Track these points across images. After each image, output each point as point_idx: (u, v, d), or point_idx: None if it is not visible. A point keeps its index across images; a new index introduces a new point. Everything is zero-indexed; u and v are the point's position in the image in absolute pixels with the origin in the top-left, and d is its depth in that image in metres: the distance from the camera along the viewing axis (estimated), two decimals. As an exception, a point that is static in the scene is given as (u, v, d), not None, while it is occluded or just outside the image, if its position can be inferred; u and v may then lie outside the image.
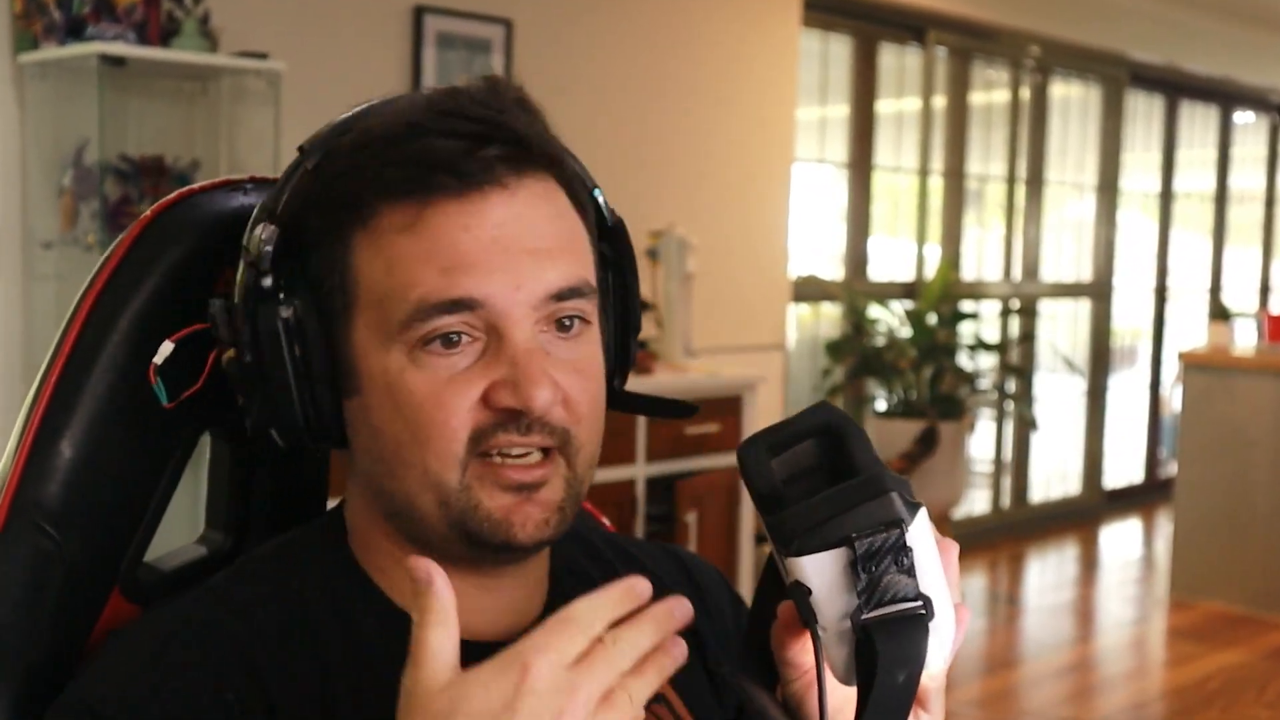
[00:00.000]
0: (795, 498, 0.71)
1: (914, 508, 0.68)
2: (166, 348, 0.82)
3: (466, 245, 0.74)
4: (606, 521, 1.07)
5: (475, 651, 0.80)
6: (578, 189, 0.81)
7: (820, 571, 0.68)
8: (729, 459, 3.95)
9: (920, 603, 0.67)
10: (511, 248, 0.75)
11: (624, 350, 0.88)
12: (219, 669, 0.74)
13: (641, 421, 3.63)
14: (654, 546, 1.00)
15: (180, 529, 0.97)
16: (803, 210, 5.07)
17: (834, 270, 5.45)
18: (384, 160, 0.75)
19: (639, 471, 3.69)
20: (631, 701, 0.63)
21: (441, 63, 3.72)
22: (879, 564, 0.67)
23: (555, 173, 0.79)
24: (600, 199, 0.85)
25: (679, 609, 0.65)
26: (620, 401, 0.89)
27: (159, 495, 0.86)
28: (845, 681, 0.70)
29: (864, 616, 0.67)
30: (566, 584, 0.88)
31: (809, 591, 0.68)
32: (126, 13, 2.90)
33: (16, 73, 2.99)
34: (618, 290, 0.86)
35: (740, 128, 4.63)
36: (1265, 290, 8.13)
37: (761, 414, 4.32)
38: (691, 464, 3.86)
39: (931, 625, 0.68)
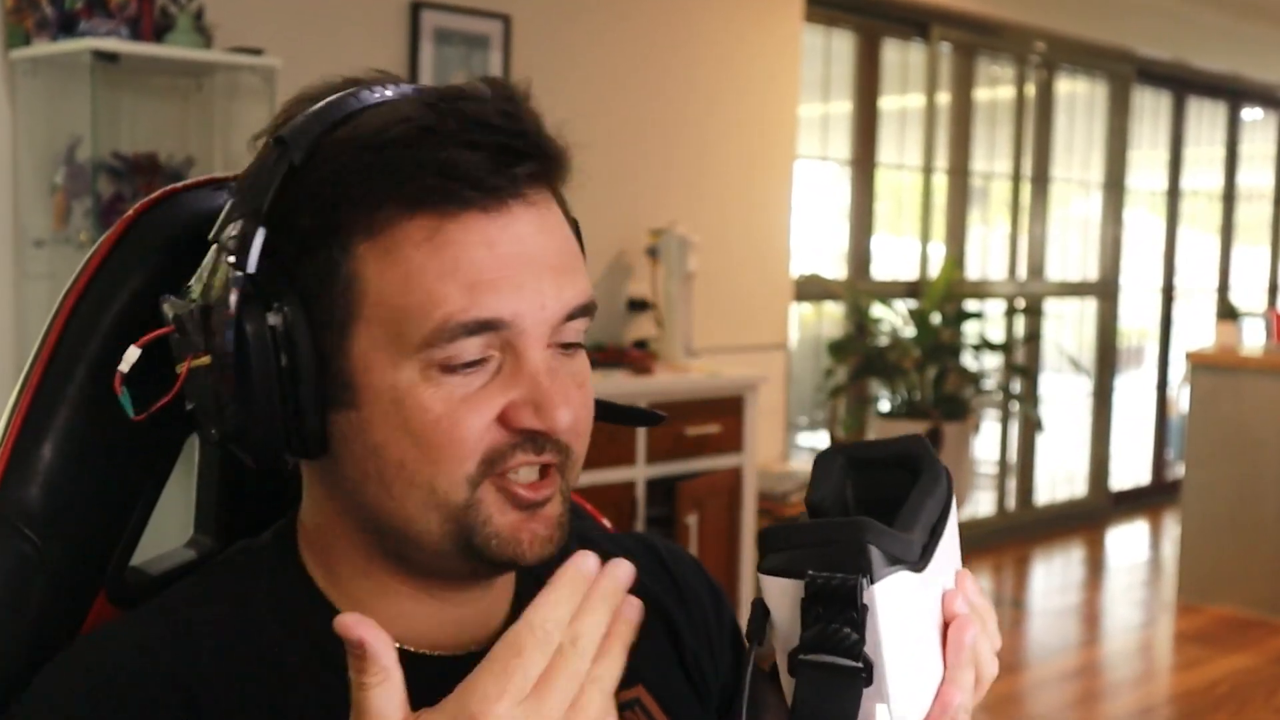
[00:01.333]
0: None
1: (895, 566, 0.65)
2: (133, 353, 0.77)
3: (490, 262, 0.72)
4: (605, 522, 1.06)
5: (435, 666, 0.79)
6: (565, 202, 0.79)
7: (778, 596, 0.67)
8: (730, 460, 3.94)
9: (858, 663, 0.65)
10: (535, 264, 0.73)
11: None
12: (155, 705, 0.72)
13: (642, 422, 3.62)
14: (630, 539, 0.98)
15: (173, 531, 0.96)
16: (805, 208, 5.07)
17: (837, 269, 5.45)
18: (400, 168, 0.71)
19: (639, 473, 3.68)
20: (602, 693, 0.61)
21: (439, 58, 3.72)
22: (825, 609, 0.65)
23: (558, 185, 0.77)
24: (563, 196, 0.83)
25: (622, 572, 0.63)
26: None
27: (144, 498, 0.86)
28: None
29: (798, 656, 0.66)
30: (533, 592, 0.87)
31: (767, 612, 0.68)
32: (120, 8, 2.89)
33: (8, 69, 2.99)
34: None
35: (742, 124, 4.63)
36: (1274, 289, 8.13)
37: (763, 415, 4.31)
38: (692, 465, 3.85)
39: (872, 691, 0.65)
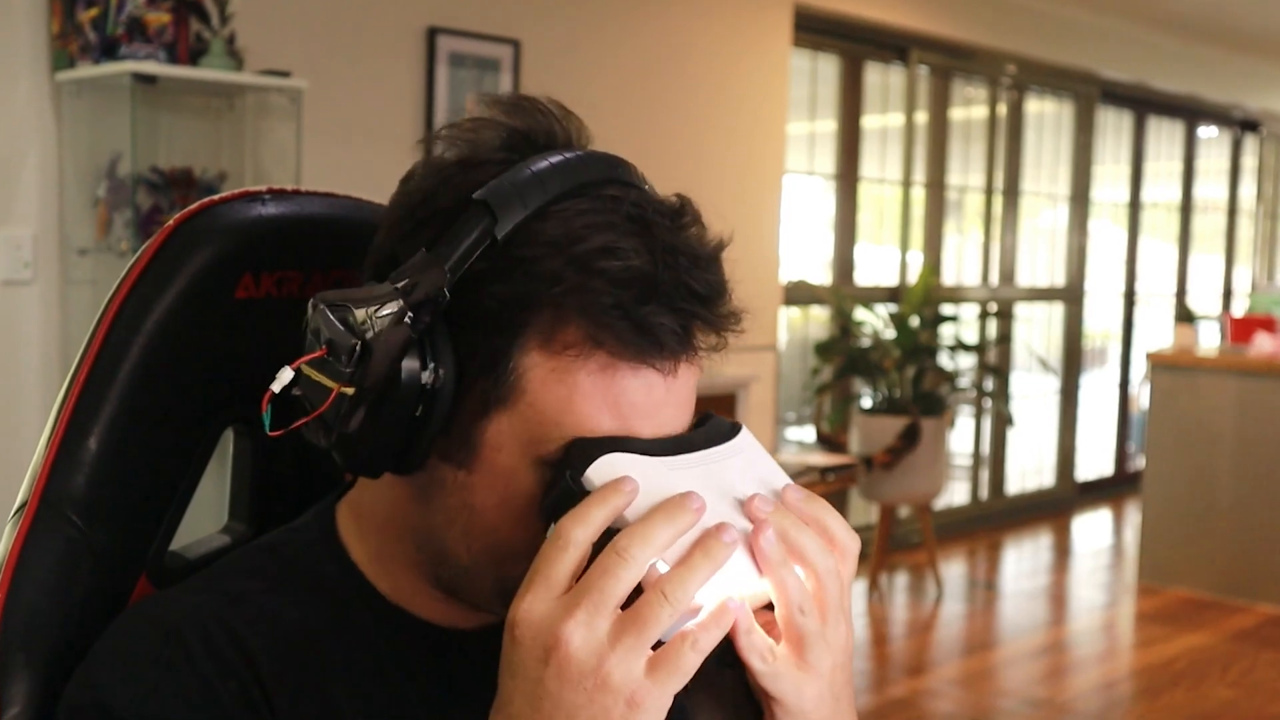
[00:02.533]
0: None
1: (602, 452, 0.68)
2: (286, 374, 0.73)
3: (645, 404, 0.71)
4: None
5: (458, 638, 0.80)
6: None
7: None
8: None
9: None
10: (670, 404, 0.73)
11: None
12: (220, 660, 0.73)
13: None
14: None
15: (206, 519, 0.97)
16: (793, 219, 5.06)
17: (823, 275, 5.44)
18: (602, 301, 0.68)
19: (639, 465, 3.68)
20: (669, 602, 0.63)
21: (453, 81, 3.72)
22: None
23: None
24: None
25: (690, 500, 0.65)
26: None
27: (183, 487, 0.86)
28: None
29: None
30: None
31: None
32: (157, 34, 2.89)
33: (54, 90, 2.99)
34: None
35: (735, 141, 4.63)
36: (1227, 294, 8.13)
37: (755, 410, 4.31)
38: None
39: None
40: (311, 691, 0.75)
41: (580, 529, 0.64)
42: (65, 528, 0.81)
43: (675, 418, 0.74)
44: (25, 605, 0.79)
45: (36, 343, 3.06)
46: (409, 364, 0.69)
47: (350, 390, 0.70)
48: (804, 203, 5.32)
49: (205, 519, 0.96)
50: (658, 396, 0.72)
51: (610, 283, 0.69)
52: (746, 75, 4.66)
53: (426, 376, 0.70)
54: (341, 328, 0.70)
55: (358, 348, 0.69)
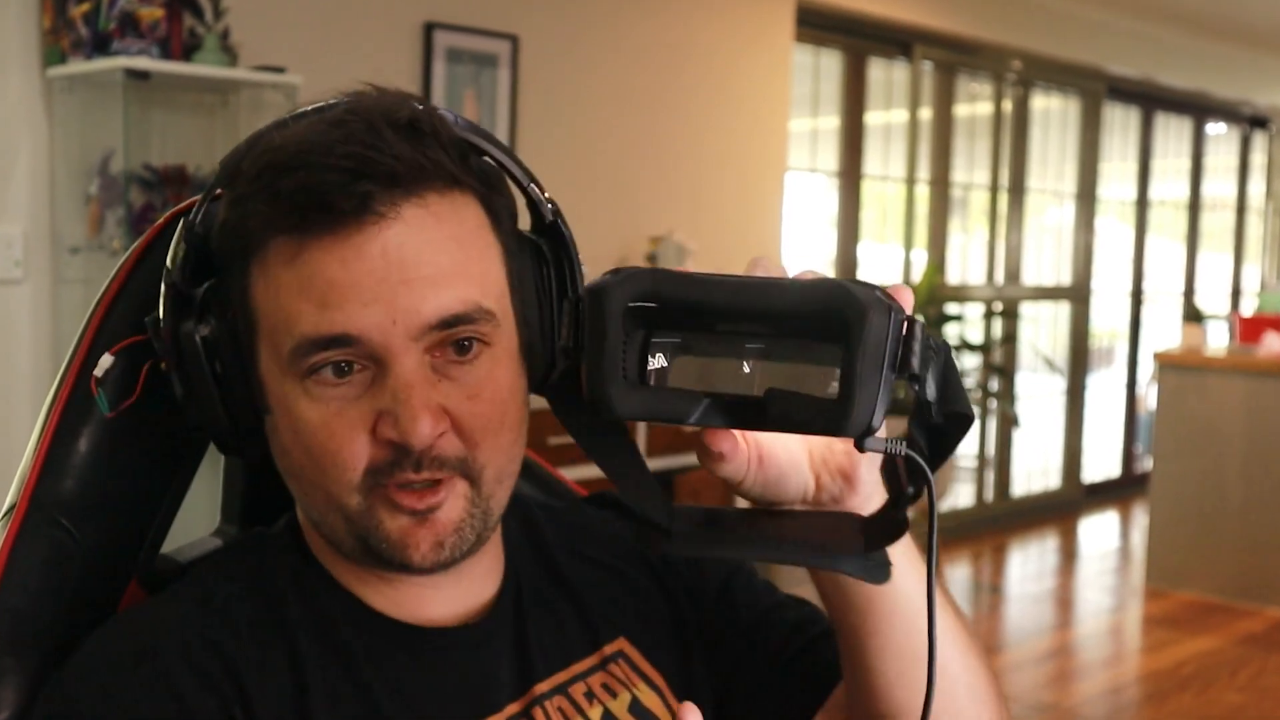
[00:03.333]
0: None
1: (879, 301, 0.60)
2: (106, 360, 0.81)
3: (341, 279, 0.70)
4: (571, 481, 1.05)
5: (439, 638, 0.80)
6: (492, 201, 0.77)
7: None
8: (725, 454, 3.94)
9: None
10: (388, 279, 0.70)
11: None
12: (199, 674, 0.73)
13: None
14: (596, 498, 0.96)
15: (199, 521, 0.96)
16: (795, 217, 5.06)
17: (826, 274, 5.43)
18: (270, 193, 0.71)
19: (639, 466, 3.68)
20: None
21: (450, 76, 3.71)
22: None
23: (457, 189, 0.74)
24: (537, 195, 0.79)
25: None
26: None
27: (173, 491, 0.86)
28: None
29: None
30: (519, 562, 0.86)
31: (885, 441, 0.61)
32: (150, 29, 2.89)
33: (45, 86, 2.99)
34: (558, 284, 0.81)
35: (736, 138, 4.63)
36: (1236, 293, 8.13)
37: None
38: (690, 460, 3.85)
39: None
40: (290, 694, 0.75)
41: None
42: (54, 530, 0.81)
43: (394, 292, 0.70)
44: (14, 609, 0.79)
45: (27, 342, 3.06)
46: (185, 324, 0.74)
47: (164, 364, 0.76)
48: (806, 200, 5.32)
49: (198, 521, 0.96)
50: (355, 267, 0.70)
51: (278, 171, 0.71)
52: (748, 71, 4.65)
53: (203, 329, 0.74)
54: (154, 314, 0.77)
55: (153, 321, 0.76)
